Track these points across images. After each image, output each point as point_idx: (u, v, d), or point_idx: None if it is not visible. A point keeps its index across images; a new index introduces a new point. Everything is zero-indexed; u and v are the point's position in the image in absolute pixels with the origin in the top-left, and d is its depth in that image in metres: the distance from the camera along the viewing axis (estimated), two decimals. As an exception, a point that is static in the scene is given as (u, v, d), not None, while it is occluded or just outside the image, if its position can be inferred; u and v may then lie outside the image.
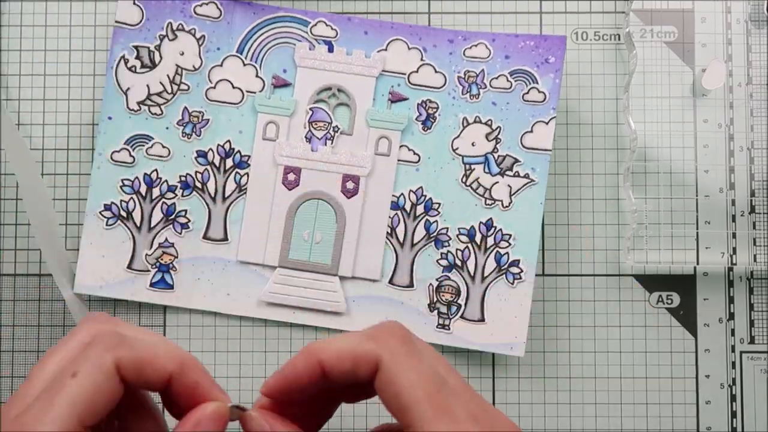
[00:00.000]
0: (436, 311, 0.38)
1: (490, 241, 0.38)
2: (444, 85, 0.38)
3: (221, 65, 0.38)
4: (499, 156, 0.38)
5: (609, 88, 0.40)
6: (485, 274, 0.38)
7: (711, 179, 0.39)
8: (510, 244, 0.38)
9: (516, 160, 0.38)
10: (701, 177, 0.39)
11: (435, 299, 0.38)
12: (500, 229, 0.38)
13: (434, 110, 0.38)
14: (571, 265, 0.39)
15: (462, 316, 0.38)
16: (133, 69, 0.38)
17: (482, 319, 0.38)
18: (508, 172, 0.38)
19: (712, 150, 0.39)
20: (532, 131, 0.38)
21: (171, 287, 0.38)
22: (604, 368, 0.39)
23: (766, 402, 0.39)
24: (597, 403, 0.39)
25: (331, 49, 0.38)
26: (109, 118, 0.38)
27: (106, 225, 0.38)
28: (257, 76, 0.38)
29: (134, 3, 0.38)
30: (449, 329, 0.38)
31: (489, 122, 0.38)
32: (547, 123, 0.38)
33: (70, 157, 0.39)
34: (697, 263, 0.39)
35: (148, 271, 0.38)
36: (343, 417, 0.39)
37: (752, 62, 0.39)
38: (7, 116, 0.39)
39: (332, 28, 0.38)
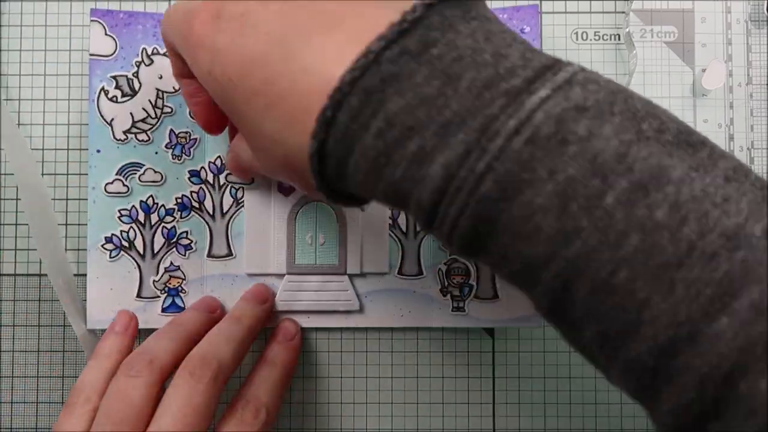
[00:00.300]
0: (449, 295, 0.38)
1: None
2: None
3: None
4: None
5: (609, 88, 0.40)
6: None
7: (711, 179, 0.39)
8: None
9: None
10: (701, 177, 0.39)
11: (446, 283, 0.38)
12: None
13: None
14: (571, 265, 0.39)
15: (476, 296, 0.38)
16: (114, 99, 0.38)
17: (496, 296, 0.38)
18: None
19: (712, 150, 0.39)
20: None
21: (183, 309, 0.38)
22: (604, 368, 0.39)
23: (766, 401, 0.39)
24: (597, 403, 0.39)
25: None
26: (98, 151, 0.38)
27: (110, 257, 0.38)
28: None
29: (106, 34, 0.38)
30: (465, 310, 0.38)
31: None
32: None
33: (71, 157, 0.39)
34: (697, 263, 0.39)
35: (158, 297, 0.38)
36: (343, 417, 0.39)
37: (752, 62, 0.39)
38: (8, 117, 0.39)
39: None
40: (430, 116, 0.21)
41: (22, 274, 0.39)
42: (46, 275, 0.39)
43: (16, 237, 0.39)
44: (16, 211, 0.39)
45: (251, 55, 0.24)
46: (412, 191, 0.22)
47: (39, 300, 0.39)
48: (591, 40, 0.40)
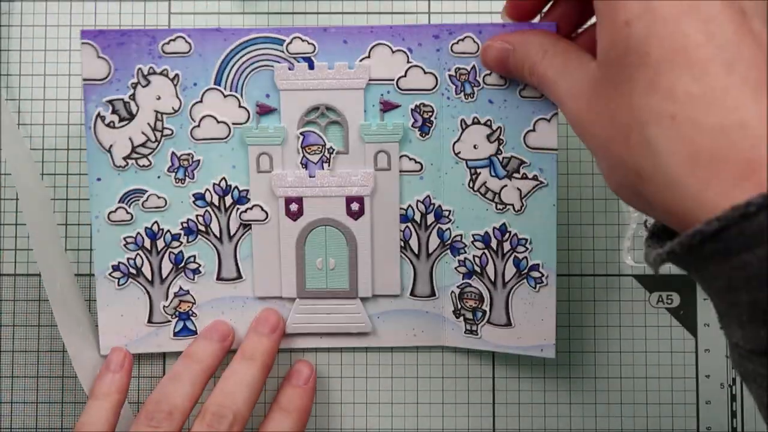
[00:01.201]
0: (462, 317, 0.38)
1: (507, 246, 0.37)
2: (436, 86, 0.36)
3: (201, 101, 0.37)
4: (503, 158, 0.36)
5: (609, 88, 0.40)
6: (506, 280, 0.37)
7: (711, 179, 0.39)
8: (527, 249, 0.37)
9: (522, 162, 0.36)
10: (701, 177, 0.39)
11: (459, 306, 0.38)
12: (515, 234, 0.37)
13: (429, 114, 0.36)
14: (571, 265, 0.39)
15: (489, 321, 0.37)
16: (112, 125, 0.36)
17: (509, 323, 0.37)
18: (515, 175, 0.36)
19: (712, 150, 0.39)
20: (534, 130, 0.36)
21: (195, 333, 0.38)
22: (603, 368, 0.39)
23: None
24: (597, 403, 0.39)
25: (311, 66, 0.36)
26: (98, 179, 0.37)
27: (118, 285, 0.37)
28: (240, 106, 0.37)
29: (98, 56, 0.36)
30: (478, 334, 0.37)
31: (489, 122, 0.36)
32: (548, 120, 0.36)
33: (70, 157, 0.39)
34: (697, 263, 0.39)
35: (169, 321, 0.38)
36: (343, 417, 0.39)
37: (752, 62, 0.39)
38: (9, 117, 0.39)
39: (309, 43, 0.36)
40: None
41: (22, 274, 0.39)
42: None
43: (16, 237, 0.39)
44: (16, 211, 0.39)
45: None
46: None
47: (39, 300, 0.39)
48: (591, 40, 0.40)
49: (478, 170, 0.36)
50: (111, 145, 0.37)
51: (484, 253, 0.37)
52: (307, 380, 0.37)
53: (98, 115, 0.36)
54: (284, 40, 0.36)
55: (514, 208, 0.36)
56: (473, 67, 0.36)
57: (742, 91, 0.21)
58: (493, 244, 0.37)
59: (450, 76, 0.36)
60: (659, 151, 0.22)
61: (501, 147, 0.36)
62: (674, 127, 0.22)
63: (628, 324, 0.39)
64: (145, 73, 0.36)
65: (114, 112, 0.36)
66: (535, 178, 0.36)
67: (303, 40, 0.36)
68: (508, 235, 0.37)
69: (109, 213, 0.37)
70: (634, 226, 0.39)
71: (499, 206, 0.36)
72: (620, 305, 0.39)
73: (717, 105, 0.21)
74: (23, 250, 0.39)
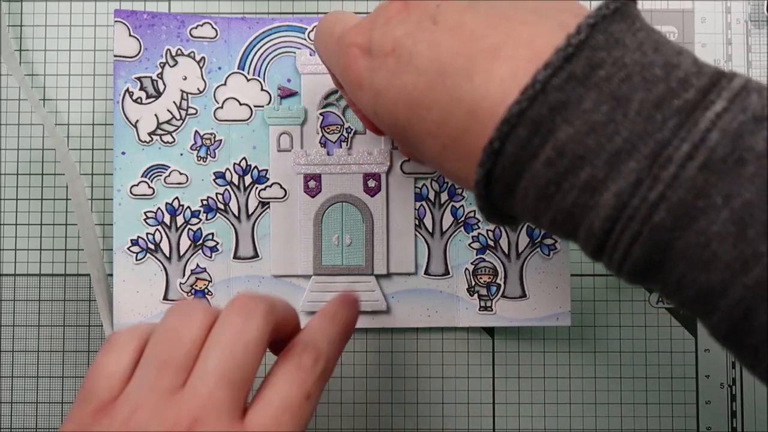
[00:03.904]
0: (476, 294, 0.38)
1: None
2: None
3: (225, 84, 0.38)
4: None
5: (609, 88, 0.40)
6: (520, 250, 0.38)
7: (711, 179, 0.39)
8: None
9: None
10: (701, 177, 0.39)
11: (473, 283, 0.38)
12: None
13: None
14: (571, 264, 0.39)
15: (503, 295, 0.38)
16: (139, 100, 0.38)
17: (524, 295, 0.38)
18: None
19: (712, 150, 0.39)
20: None
21: None
22: (603, 368, 0.39)
23: (766, 402, 0.39)
24: (597, 403, 0.39)
25: None
26: (123, 153, 0.38)
27: (136, 260, 0.38)
28: (262, 89, 0.38)
29: (130, 35, 0.38)
30: (492, 310, 0.38)
31: None
32: None
33: (83, 157, 0.40)
34: (697, 263, 0.39)
35: (185, 300, 0.38)
36: (342, 417, 0.39)
37: (752, 62, 0.39)
38: (61, 138, 0.39)
39: None
40: (600, 144, 0.21)
41: (22, 274, 0.39)
42: (46, 275, 0.39)
43: (16, 237, 0.39)
44: (16, 211, 0.39)
45: (414, 98, 0.24)
46: (583, 219, 0.22)
47: (39, 300, 0.39)
48: (591, 40, 0.40)
49: None
50: (137, 120, 0.38)
51: (497, 226, 0.38)
52: (354, 302, 0.32)
53: (126, 90, 0.38)
54: (306, 29, 0.38)
55: None
56: None
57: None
58: None
59: None
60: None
61: None
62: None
63: (628, 324, 0.39)
64: (173, 54, 0.38)
65: (142, 88, 0.38)
66: None
67: None
68: None
69: (132, 187, 0.38)
70: (634, 226, 0.39)
71: None
72: (620, 305, 0.39)
73: None
74: (23, 250, 0.39)
